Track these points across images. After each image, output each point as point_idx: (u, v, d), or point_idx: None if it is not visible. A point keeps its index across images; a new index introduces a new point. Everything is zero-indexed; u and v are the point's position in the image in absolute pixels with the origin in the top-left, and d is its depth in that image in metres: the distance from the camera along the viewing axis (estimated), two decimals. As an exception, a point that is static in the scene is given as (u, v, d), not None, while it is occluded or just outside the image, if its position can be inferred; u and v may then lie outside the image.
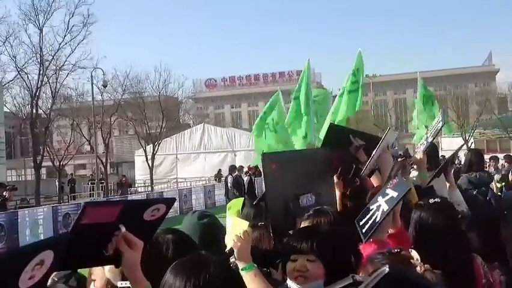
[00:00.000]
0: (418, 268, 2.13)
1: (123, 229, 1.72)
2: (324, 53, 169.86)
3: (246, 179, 18.92)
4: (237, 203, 2.97)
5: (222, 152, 33.77)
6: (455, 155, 5.05)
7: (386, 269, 1.33)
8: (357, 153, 3.76)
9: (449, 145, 28.49)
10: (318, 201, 3.04)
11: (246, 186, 18.17)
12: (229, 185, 18.25)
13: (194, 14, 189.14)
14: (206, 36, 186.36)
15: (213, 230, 2.86)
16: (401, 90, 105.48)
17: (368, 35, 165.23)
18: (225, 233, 2.63)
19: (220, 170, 28.97)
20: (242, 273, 2.31)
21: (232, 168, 18.85)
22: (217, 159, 32.93)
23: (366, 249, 2.46)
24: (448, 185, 4.09)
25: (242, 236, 2.37)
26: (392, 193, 2.60)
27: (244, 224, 2.46)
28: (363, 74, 7.84)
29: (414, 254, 2.31)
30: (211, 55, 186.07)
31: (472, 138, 42.41)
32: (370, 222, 2.55)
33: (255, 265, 2.38)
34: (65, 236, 1.57)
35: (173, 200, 1.95)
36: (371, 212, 2.59)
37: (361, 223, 2.58)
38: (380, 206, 2.56)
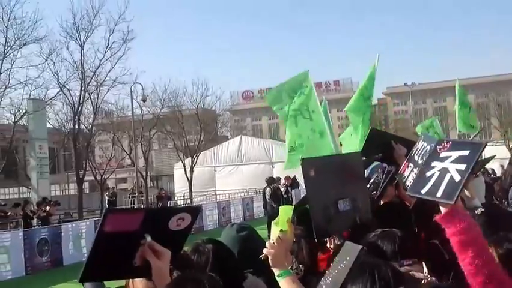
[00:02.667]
0: (423, 282, 2.08)
1: (148, 238, 1.71)
2: (361, 61, 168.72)
3: (283, 190, 18.86)
4: (288, 210, 2.95)
5: (259, 163, 33.77)
6: (484, 163, 4.85)
7: None
8: (399, 160, 3.69)
9: (493, 154, 27.63)
10: (354, 206, 3.00)
11: (282, 197, 18.09)
12: (267, 197, 18.18)
13: (230, 26, 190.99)
14: (243, 49, 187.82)
15: (251, 242, 2.84)
16: (441, 98, 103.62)
17: (404, 42, 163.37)
18: (264, 245, 2.60)
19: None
20: (278, 279, 2.27)
21: (271, 181, 18.77)
22: (255, 170, 32.93)
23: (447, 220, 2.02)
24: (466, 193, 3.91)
25: (275, 242, 2.33)
26: (453, 153, 2.18)
27: (277, 230, 2.42)
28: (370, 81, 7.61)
29: (424, 267, 2.28)
30: (247, 67, 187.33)
31: (516, 146, 41.16)
32: (445, 184, 2.10)
33: (291, 270, 2.34)
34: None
35: (197, 208, 1.96)
36: (435, 177, 2.16)
37: (423, 191, 2.16)
38: (446, 168, 2.14)
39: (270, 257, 2.31)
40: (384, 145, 3.74)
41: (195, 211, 1.89)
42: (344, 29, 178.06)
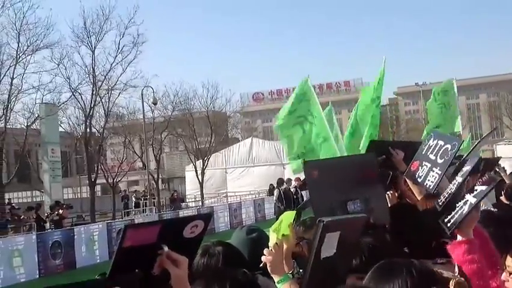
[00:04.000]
0: (451, 283, 2.07)
1: (166, 248, 1.75)
2: (372, 62, 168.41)
3: (293, 191, 18.85)
4: (289, 216, 2.94)
5: (270, 165, 33.77)
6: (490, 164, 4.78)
7: None
8: (398, 165, 3.74)
9: (505, 152, 27.46)
10: (366, 206, 2.98)
11: (293, 199, 18.05)
12: (274, 198, 18.19)
13: (239, 28, 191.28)
14: (253, 50, 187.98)
15: (261, 244, 2.84)
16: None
17: (414, 41, 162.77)
18: None
19: (272, 184, 28.96)
20: (278, 285, 2.29)
21: (281, 182, 18.77)
22: (266, 172, 32.95)
23: (456, 249, 2.35)
24: None
25: (273, 249, 2.34)
26: (480, 188, 2.49)
27: (275, 236, 2.44)
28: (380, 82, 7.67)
29: (455, 266, 2.28)
30: (257, 69, 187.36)
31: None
32: (456, 216, 2.46)
33: (291, 275, 2.34)
34: (103, 282, 1.62)
35: (209, 215, 1.98)
36: (457, 208, 2.49)
37: (446, 220, 2.49)
38: (467, 201, 2.47)
39: (268, 264, 2.32)
40: (384, 153, 3.76)
41: (207, 218, 1.92)
42: (353, 30, 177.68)
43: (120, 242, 1.67)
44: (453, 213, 2.48)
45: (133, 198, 28.61)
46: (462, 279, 2.13)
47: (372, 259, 2.27)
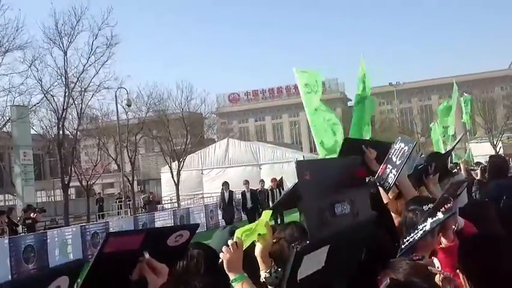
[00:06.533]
0: (437, 276, 2.10)
1: (147, 255, 1.74)
2: (347, 62, 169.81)
3: (269, 191, 19.23)
4: (266, 215, 2.92)
5: (247, 165, 33.77)
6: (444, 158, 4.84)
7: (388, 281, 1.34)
8: (370, 164, 3.71)
9: (478, 151, 27.96)
10: (352, 209, 2.98)
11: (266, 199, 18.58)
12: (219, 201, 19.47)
13: (212, 28, 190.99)
14: (226, 51, 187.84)
15: None
16: (426, 96, 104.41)
17: (388, 42, 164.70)
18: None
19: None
20: (233, 284, 2.32)
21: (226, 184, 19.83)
22: (242, 173, 32.95)
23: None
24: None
25: (231, 247, 2.35)
26: (440, 215, 2.62)
27: (238, 233, 2.47)
28: (367, 80, 7.91)
29: (435, 261, 2.33)
30: (232, 70, 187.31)
31: (500, 142, 41.64)
32: (410, 240, 2.57)
33: (245, 275, 2.36)
34: (80, 263, 1.57)
35: (196, 226, 1.96)
36: (416, 231, 2.63)
37: (404, 240, 2.59)
38: (425, 226, 2.61)
39: (224, 262, 2.34)
40: (358, 151, 3.76)
41: (193, 228, 1.91)
42: (328, 29, 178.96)
43: (100, 248, 1.64)
44: (411, 235, 2.61)
45: (142, 200, 28.75)
46: (448, 273, 2.16)
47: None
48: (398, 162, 3.49)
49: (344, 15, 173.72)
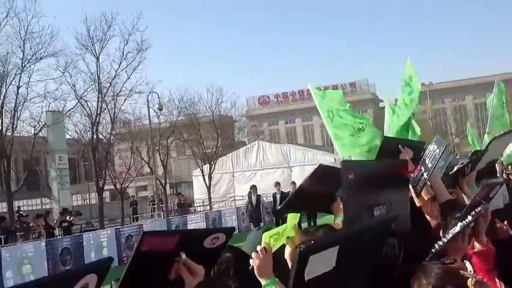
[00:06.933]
0: (469, 280, 2.06)
1: (183, 256, 1.75)
2: (378, 63, 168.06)
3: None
4: (294, 218, 2.92)
5: (278, 168, 33.74)
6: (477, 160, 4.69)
7: None
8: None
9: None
10: (390, 212, 2.96)
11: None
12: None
13: (242, 32, 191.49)
14: (256, 54, 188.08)
15: None
16: (459, 97, 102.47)
17: (420, 44, 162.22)
18: None
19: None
20: None
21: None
22: (274, 175, 32.94)
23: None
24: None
25: (260, 253, 2.35)
26: (469, 218, 2.60)
27: (265, 238, 2.46)
28: (416, 81, 7.47)
29: (468, 265, 2.31)
30: (262, 73, 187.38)
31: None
32: (441, 243, 2.58)
33: (277, 279, 2.35)
34: (109, 261, 1.58)
35: (232, 229, 1.97)
36: (447, 235, 2.63)
37: (436, 244, 2.60)
38: (455, 229, 2.61)
39: (255, 268, 2.34)
40: (396, 151, 3.71)
41: (230, 231, 1.92)
42: (358, 32, 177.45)
43: (137, 248, 1.66)
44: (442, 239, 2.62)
45: (177, 201, 29.41)
46: (480, 277, 2.13)
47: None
48: (429, 166, 3.44)
49: (375, 15, 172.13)
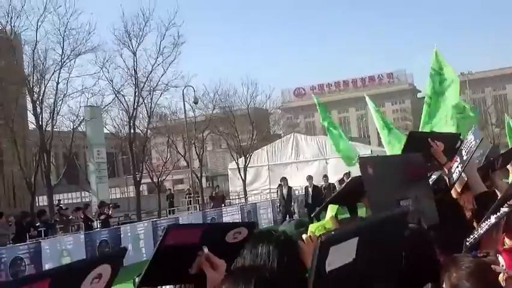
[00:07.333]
0: (501, 275, 2.01)
1: (206, 250, 1.77)
2: (416, 53, 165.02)
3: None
4: (332, 209, 2.88)
5: (314, 160, 33.52)
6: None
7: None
8: (438, 157, 3.56)
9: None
10: (418, 206, 2.89)
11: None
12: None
13: (278, 24, 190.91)
14: (293, 46, 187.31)
15: None
16: (500, 86, 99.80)
17: (459, 31, 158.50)
18: None
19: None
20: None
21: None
22: (310, 167, 32.75)
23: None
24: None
25: (306, 241, 2.29)
26: (503, 209, 2.54)
27: (311, 228, 2.44)
28: (450, 71, 7.23)
29: (500, 260, 2.25)
30: (298, 64, 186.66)
31: None
32: (476, 235, 2.53)
33: None
34: (123, 251, 1.63)
35: (254, 223, 1.98)
36: (480, 228, 2.56)
37: (470, 237, 2.55)
38: (490, 221, 2.55)
39: (305, 252, 2.25)
40: (423, 146, 3.61)
41: (252, 226, 1.94)
42: (394, 22, 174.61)
43: (161, 240, 1.69)
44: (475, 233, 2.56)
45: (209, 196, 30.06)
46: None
47: None
48: (464, 157, 3.36)
49: (412, 5, 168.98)
